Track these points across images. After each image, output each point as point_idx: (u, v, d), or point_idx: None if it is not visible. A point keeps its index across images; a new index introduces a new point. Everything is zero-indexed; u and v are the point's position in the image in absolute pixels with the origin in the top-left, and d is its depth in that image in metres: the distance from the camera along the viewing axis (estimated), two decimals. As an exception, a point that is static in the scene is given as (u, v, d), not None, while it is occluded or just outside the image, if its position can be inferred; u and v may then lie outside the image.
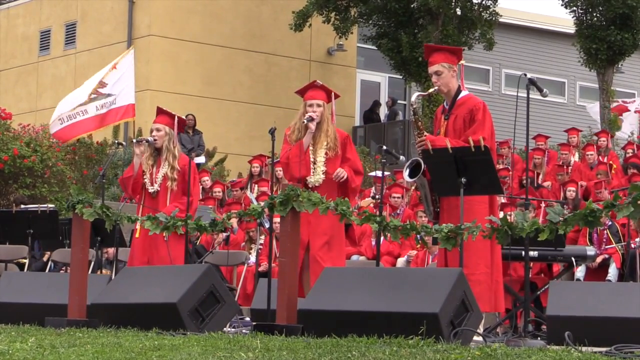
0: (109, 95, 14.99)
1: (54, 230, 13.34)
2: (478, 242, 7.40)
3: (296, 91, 9.35)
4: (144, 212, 9.45)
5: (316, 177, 8.97)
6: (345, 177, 8.92)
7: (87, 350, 6.14)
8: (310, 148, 9.00)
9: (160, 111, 10.02)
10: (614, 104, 22.27)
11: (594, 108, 24.33)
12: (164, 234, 8.57)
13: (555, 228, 6.61)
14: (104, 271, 13.40)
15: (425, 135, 8.31)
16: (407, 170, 8.46)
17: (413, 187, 15.55)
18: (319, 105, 9.05)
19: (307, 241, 8.74)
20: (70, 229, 9.26)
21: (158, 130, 9.82)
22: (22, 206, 16.25)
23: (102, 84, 15.17)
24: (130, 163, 10.05)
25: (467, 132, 8.26)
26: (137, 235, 9.68)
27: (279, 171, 15.48)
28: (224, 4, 26.64)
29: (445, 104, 8.58)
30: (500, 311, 8.83)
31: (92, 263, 12.55)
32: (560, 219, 6.61)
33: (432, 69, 8.50)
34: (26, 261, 14.11)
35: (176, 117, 9.96)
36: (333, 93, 9.18)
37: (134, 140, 9.94)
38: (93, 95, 15.13)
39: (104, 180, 10.97)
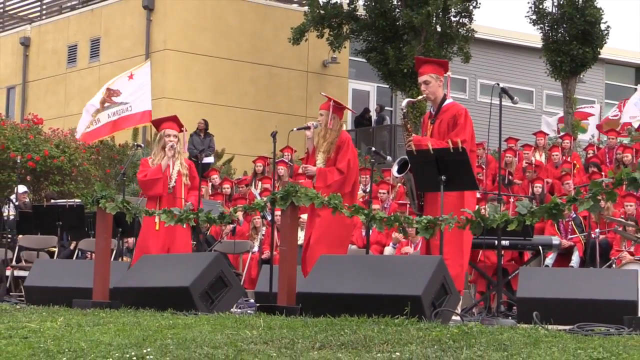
0: (122, 103, 14.93)
1: (81, 222, 13.32)
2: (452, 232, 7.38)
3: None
4: (167, 206, 9.33)
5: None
6: (311, 172, 8.96)
7: (110, 328, 6.14)
8: (317, 153, 9.05)
9: (173, 119, 10.19)
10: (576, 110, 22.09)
11: (548, 120, 24.32)
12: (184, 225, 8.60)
13: (523, 219, 6.60)
14: (124, 258, 13.40)
15: (413, 136, 8.31)
16: (396, 167, 8.46)
17: (399, 184, 15.55)
18: (321, 115, 9.08)
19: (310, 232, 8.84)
20: (94, 221, 9.25)
21: (175, 136, 10.07)
22: (52, 201, 16.24)
23: (116, 93, 15.07)
24: (147, 166, 10.01)
25: (450, 135, 8.25)
26: (157, 227, 9.60)
27: (281, 169, 15.51)
28: (231, 22, 26.60)
29: (431, 110, 8.56)
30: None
31: (114, 251, 12.54)
32: (527, 211, 6.60)
33: (421, 79, 8.47)
34: (56, 250, 14.11)
35: (184, 127, 10.31)
36: (332, 101, 9.15)
37: (172, 146, 9.95)
38: (106, 104, 15.06)
39: (124, 178, 10.92)
